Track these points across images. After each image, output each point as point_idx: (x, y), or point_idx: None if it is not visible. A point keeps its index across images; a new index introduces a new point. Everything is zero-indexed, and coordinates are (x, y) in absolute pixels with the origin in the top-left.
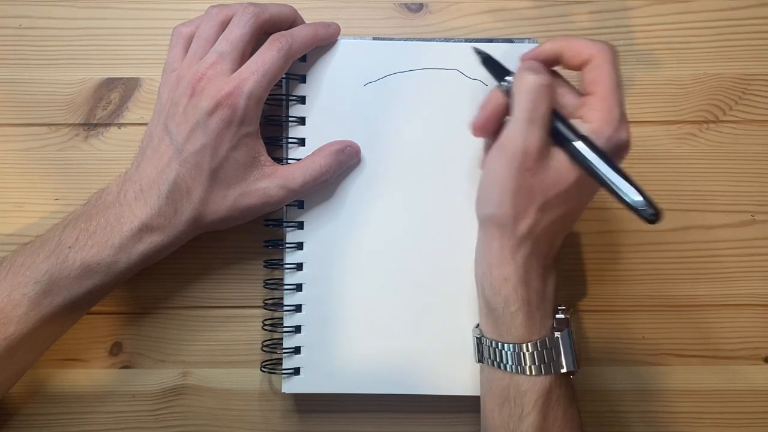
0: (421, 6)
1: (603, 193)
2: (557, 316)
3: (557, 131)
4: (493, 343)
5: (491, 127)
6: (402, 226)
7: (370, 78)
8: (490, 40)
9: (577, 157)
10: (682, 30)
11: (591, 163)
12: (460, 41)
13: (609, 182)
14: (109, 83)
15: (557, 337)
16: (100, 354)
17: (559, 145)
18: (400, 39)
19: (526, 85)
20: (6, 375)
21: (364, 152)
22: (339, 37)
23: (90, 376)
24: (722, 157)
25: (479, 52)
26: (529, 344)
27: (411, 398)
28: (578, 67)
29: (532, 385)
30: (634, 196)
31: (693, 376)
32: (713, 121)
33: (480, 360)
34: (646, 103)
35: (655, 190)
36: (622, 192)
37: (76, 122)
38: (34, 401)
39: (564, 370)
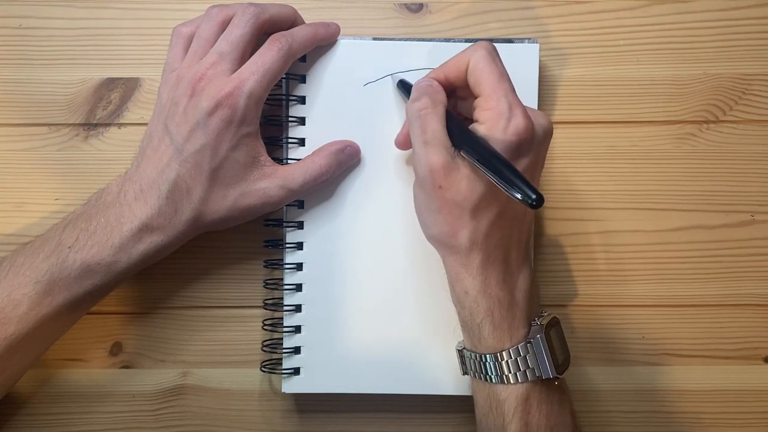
0: (421, 6)
1: (603, 193)
2: (532, 323)
3: (457, 140)
4: (472, 354)
5: (410, 143)
6: (402, 225)
7: (370, 78)
8: (490, 40)
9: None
10: (682, 30)
11: (475, 164)
12: (460, 41)
13: (492, 179)
14: (109, 83)
15: (530, 345)
16: (100, 354)
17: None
18: (400, 39)
19: (411, 113)
20: (6, 375)
21: (364, 152)
22: (339, 37)
23: (90, 376)
24: (722, 157)
25: (393, 77)
26: (503, 353)
27: (411, 398)
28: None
29: (509, 393)
30: (516, 189)
31: (693, 376)
32: (713, 121)
33: (464, 372)
34: (646, 103)
35: (656, 190)
36: (503, 185)
37: (76, 122)
38: (34, 401)
39: (542, 377)
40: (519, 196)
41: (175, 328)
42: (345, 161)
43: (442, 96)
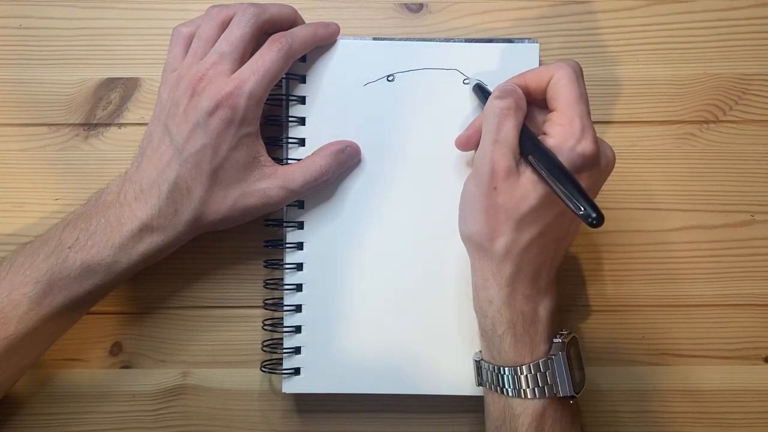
0: (421, 6)
1: (603, 193)
2: (554, 340)
3: (524, 148)
4: (490, 366)
5: (472, 144)
6: (402, 226)
7: (370, 78)
8: (490, 40)
9: (536, 170)
10: (682, 30)
11: (541, 172)
12: (460, 41)
13: (557, 191)
14: (109, 83)
15: (551, 361)
16: (100, 354)
17: (527, 161)
18: (400, 39)
19: (491, 108)
20: (6, 375)
21: (364, 152)
22: (339, 37)
23: (90, 376)
24: (722, 157)
25: (468, 80)
26: (522, 367)
27: (411, 398)
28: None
29: (524, 408)
30: (578, 205)
31: (693, 376)
32: (713, 121)
33: (479, 383)
34: (646, 103)
35: (655, 190)
36: (566, 198)
37: (76, 122)
38: (34, 401)
39: (560, 395)
40: (581, 211)
41: (175, 328)
42: (345, 161)
43: (524, 104)
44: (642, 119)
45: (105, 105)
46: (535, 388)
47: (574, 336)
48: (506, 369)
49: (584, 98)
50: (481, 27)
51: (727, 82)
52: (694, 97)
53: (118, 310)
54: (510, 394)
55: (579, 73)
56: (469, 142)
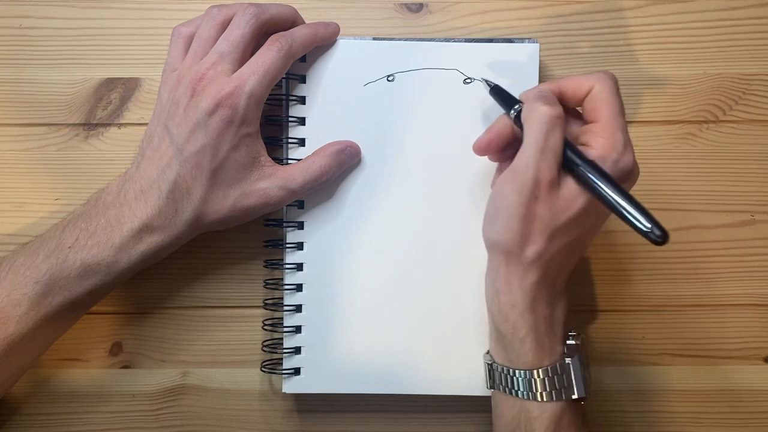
0: (421, 6)
1: None
2: (568, 341)
3: (566, 158)
4: (505, 369)
5: (492, 149)
6: (402, 226)
7: (370, 78)
8: (490, 40)
9: (586, 183)
10: (682, 30)
11: (600, 187)
12: (460, 41)
13: (617, 206)
14: (109, 83)
15: (568, 364)
16: (100, 354)
17: (568, 171)
18: (400, 39)
19: (539, 115)
20: (6, 375)
21: (364, 152)
22: (339, 37)
23: (90, 376)
24: (722, 157)
25: (488, 83)
26: (540, 370)
27: (411, 398)
28: (581, 102)
29: (542, 411)
30: (643, 220)
31: (693, 376)
32: (713, 121)
33: (491, 386)
34: (646, 103)
35: (655, 190)
36: (631, 216)
37: (76, 122)
38: (34, 401)
39: (575, 396)
40: (646, 229)
41: (175, 328)
42: (345, 162)
43: (564, 114)
44: (642, 119)
45: (105, 105)
46: (552, 391)
47: (582, 336)
48: (523, 372)
49: (623, 112)
50: (481, 27)
51: (727, 82)
52: (694, 97)
53: (118, 310)
54: (525, 396)
55: (617, 86)
56: (490, 146)
